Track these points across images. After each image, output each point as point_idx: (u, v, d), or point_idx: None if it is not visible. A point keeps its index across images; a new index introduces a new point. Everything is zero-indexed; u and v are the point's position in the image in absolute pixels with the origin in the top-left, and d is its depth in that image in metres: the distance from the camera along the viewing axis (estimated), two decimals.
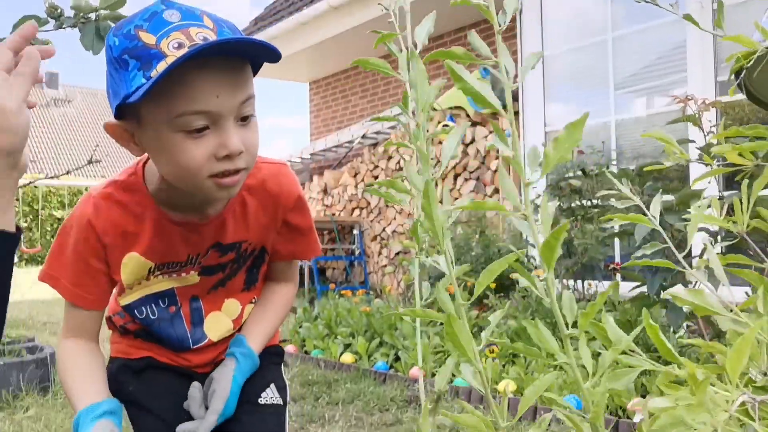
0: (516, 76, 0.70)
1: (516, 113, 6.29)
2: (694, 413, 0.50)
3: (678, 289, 0.66)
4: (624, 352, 0.74)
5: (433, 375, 3.58)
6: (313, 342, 4.41)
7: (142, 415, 1.34)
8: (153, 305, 1.27)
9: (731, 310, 0.71)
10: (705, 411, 0.53)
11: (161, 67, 0.92)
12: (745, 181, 0.74)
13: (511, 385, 3.12)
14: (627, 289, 4.19)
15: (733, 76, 0.92)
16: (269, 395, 1.34)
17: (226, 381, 1.19)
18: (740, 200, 0.75)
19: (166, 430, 1.28)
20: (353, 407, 3.20)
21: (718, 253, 0.73)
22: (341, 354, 4.13)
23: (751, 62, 0.79)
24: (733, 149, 0.77)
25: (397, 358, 3.89)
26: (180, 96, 0.94)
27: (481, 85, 0.64)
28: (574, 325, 0.74)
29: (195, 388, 1.21)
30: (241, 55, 0.99)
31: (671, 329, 3.51)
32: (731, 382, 0.57)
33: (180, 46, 0.93)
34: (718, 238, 2.77)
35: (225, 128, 0.98)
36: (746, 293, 2.62)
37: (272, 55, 0.98)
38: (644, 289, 3.15)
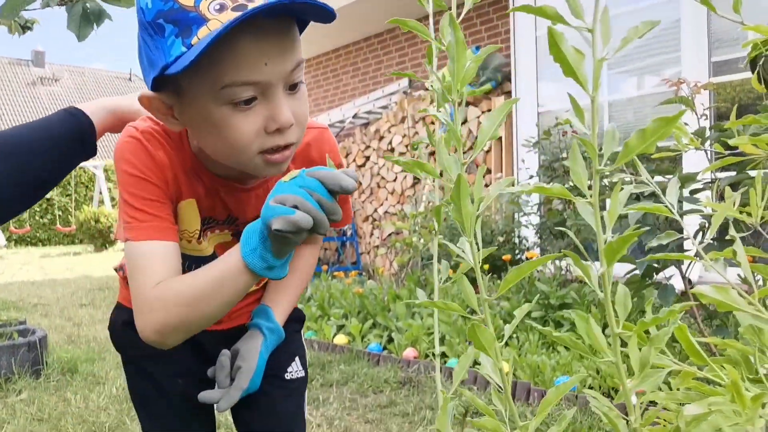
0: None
1: (509, 92, 6.26)
2: (732, 421, 0.50)
3: (703, 288, 0.65)
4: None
5: (426, 357, 3.59)
6: (306, 324, 4.41)
7: (141, 377, 1.28)
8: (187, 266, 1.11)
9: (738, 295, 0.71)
10: (746, 420, 0.52)
11: (202, 33, 0.82)
12: (759, 172, 0.73)
13: (505, 367, 3.13)
14: (619, 269, 4.21)
15: (748, 64, 0.90)
16: (294, 369, 1.30)
17: (252, 357, 1.11)
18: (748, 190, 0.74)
19: (161, 394, 1.26)
20: (347, 389, 3.21)
21: (717, 239, 0.72)
22: (334, 335, 4.13)
23: None
24: (751, 141, 0.76)
25: (391, 340, 3.90)
26: (225, 65, 0.84)
27: (574, 57, 0.60)
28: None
29: (225, 356, 1.12)
30: (289, 15, 0.88)
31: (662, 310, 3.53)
32: None
33: (222, 8, 0.83)
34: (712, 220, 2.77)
35: (275, 99, 0.88)
36: (738, 275, 2.62)
37: (324, 14, 0.86)
38: (637, 271, 3.16)
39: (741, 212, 0.76)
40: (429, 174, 0.72)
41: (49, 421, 2.84)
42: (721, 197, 2.33)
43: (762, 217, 0.74)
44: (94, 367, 3.70)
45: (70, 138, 0.81)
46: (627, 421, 0.64)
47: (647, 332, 0.74)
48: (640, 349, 0.65)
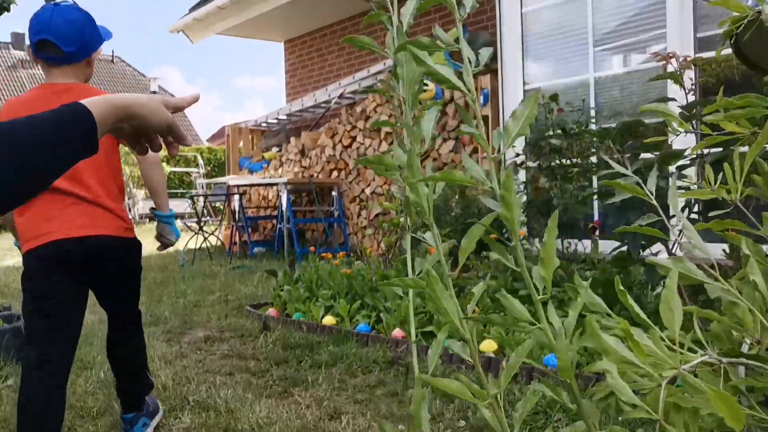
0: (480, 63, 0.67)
1: (495, 71, 6.23)
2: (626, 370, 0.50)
3: (661, 257, 0.65)
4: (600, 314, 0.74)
5: (416, 336, 3.59)
6: (294, 305, 4.41)
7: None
8: None
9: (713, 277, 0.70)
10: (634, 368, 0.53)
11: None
12: (737, 150, 0.72)
13: (492, 345, 3.15)
14: (606, 247, 4.22)
15: (728, 41, 0.89)
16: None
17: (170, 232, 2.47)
18: (731, 167, 0.73)
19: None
20: (336, 370, 3.21)
21: (696, 219, 0.72)
22: (323, 316, 4.13)
23: (741, 27, 0.77)
24: (725, 117, 0.75)
25: (379, 320, 3.90)
26: None
27: (443, 68, 0.63)
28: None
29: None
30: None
31: (650, 286, 3.55)
32: (673, 343, 0.57)
33: None
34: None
35: None
36: (723, 250, 2.62)
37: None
38: (624, 248, 3.17)
39: (722, 189, 0.75)
40: (388, 168, 0.73)
41: None
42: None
43: (742, 192, 0.73)
44: (81, 352, 3.68)
45: (70, 134, 0.77)
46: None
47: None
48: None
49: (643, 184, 0.77)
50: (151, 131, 0.89)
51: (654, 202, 0.68)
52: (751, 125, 0.76)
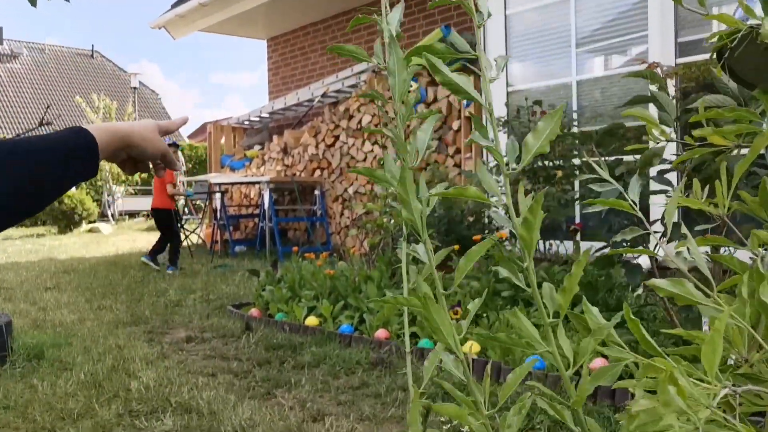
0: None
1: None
2: (670, 412, 0.50)
3: (659, 281, 0.66)
4: (605, 343, 0.75)
5: (398, 337, 3.60)
6: (276, 305, 4.39)
7: None
8: None
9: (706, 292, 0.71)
10: (677, 410, 0.53)
11: None
12: (723, 164, 0.73)
13: (475, 347, 3.16)
14: (586, 247, 4.26)
15: (715, 56, 0.90)
16: None
17: None
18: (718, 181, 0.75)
19: None
20: (319, 371, 3.21)
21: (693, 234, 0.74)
22: (305, 317, 4.12)
23: (735, 42, 0.78)
24: (714, 132, 0.77)
25: (362, 321, 3.90)
26: None
27: (461, 78, 0.64)
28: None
29: None
30: None
31: (630, 288, 3.60)
32: (710, 377, 0.57)
33: None
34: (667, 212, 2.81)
35: None
36: (706, 253, 2.65)
37: None
38: (605, 250, 3.20)
39: (708, 204, 0.77)
40: (380, 181, 0.74)
41: (15, 408, 2.79)
42: (687, 180, 2.36)
43: (729, 208, 0.75)
44: (62, 352, 3.64)
45: (73, 155, 0.80)
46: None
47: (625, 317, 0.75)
48: (572, 338, 0.65)
49: (625, 192, 0.78)
50: (146, 159, 0.96)
51: (638, 213, 0.69)
52: (736, 137, 0.78)
